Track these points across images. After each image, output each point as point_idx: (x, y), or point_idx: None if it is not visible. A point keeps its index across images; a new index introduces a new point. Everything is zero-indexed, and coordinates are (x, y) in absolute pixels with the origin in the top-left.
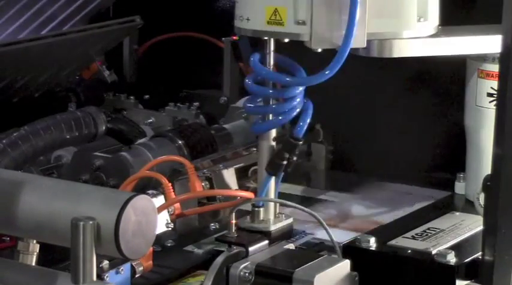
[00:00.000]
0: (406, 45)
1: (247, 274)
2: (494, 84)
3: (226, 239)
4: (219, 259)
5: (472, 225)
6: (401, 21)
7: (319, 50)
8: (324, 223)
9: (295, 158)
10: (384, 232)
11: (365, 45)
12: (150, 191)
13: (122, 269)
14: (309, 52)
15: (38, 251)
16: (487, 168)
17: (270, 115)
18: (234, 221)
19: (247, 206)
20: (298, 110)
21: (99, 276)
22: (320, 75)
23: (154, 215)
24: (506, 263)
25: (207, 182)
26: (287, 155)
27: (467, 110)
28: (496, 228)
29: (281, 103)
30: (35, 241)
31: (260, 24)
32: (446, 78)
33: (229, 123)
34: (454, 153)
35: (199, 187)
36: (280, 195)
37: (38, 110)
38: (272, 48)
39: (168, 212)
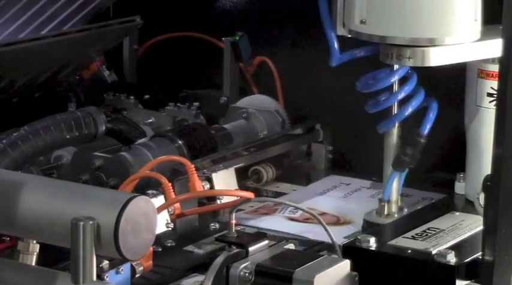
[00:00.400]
0: (450, 52)
1: (247, 274)
2: (494, 84)
3: (226, 239)
4: (219, 259)
5: (472, 225)
6: (446, 27)
7: None
8: (324, 222)
9: (418, 154)
10: (384, 232)
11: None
12: (150, 191)
13: (122, 269)
14: None
15: (38, 251)
16: (487, 168)
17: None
18: (234, 221)
19: (247, 206)
20: (415, 104)
21: (99, 276)
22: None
23: (154, 216)
24: (506, 263)
25: (207, 182)
26: (411, 152)
27: (467, 110)
28: (495, 228)
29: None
30: (35, 241)
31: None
32: (446, 78)
33: (229, 123)
34: (454, 153)
35: (199, 187)
36: (280, 195)
37: (38, 110)
38: None
39: (168, 212)
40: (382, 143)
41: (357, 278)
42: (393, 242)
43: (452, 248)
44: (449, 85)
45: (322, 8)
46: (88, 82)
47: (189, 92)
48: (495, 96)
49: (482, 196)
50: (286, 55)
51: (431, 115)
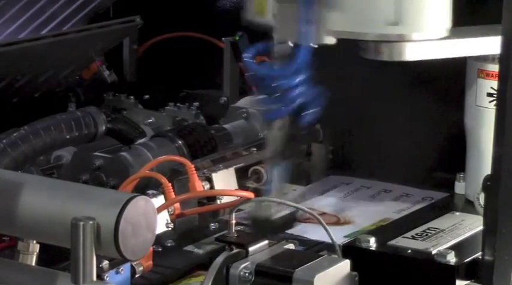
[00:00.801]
0: (417, 48)
1: (247, 274)
2: (494, 84)
3: (226, 239)
4: (219, 259)
5: (472, 225)
6: (412, 24)
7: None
8: (324, 222)
9: (303, 147)
10: (384, 232)
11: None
12: (150, 191)
13: (122, 269)
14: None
15: (37, 251)
16: (487, 168)
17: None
18: (233, 221)
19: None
20: (302, 98)
21: (99, 276)
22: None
23: (154, 216)
24: (506, 263)
25: (207, 182)
26: (294, 145)
27: (467, 110)
28: (496, 228)
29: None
30: (35, 241)
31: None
32: (446, 78)
33: (229, 123)
34: (454, 153)
35: (199, 187)
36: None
37: (38, 110)
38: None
39: (168, 212)
40: (382, 144)
41: (357, 278)
42: (393, 242)
43: (452, 248)
44: (449, 85)
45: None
46: (88, 82)
47: (189, 92)
48: (495, 96)
49: (482, 196)
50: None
51: (312, 107)
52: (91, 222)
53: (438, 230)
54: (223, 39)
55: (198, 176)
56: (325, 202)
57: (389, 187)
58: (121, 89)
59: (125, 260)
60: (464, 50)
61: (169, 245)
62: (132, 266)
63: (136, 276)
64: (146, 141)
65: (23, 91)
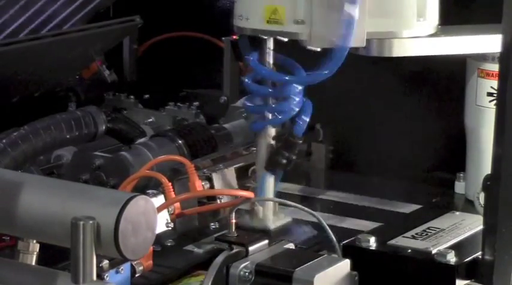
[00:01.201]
0: (405, 44)
1: (247, 274)
2: (494, 83)
3: (226, 238)
4: (219, 259)
5: (472, 224)
6: (401, 21)
7: (318, 49)
8: (324, 222)
9: (294, 157)
10: (384, 232)
11: (364, 45)
12: (150, 191)
13: (122, 269)
14: (309, 52)
15: (38, 250)
16: (487, 168)
17: (270, 114)
18: (234, 221)
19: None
20: (297, 109)
21: (99, 276)
22: (318, 74)
23: (154, 216)
24: (506, 263)
25: (207, 182)
26: (286, 154)
27: (467, 110)
28: (496, 227)
29: (280, 102)
30: (35, 241)
31: (259, 23)
32: (446, 78)
33: (229, 123)
34: (454, 153)
35: (199, 186)
36: (280, 195)
37: (38, 110)
38: (271, 46)
39: (168, 211)
40: (382, 144)
41: (356, 278)
42: (393, 241)
43: (452, 247)
44: (449, 85)
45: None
46: (88, 82)
47: (189, 92)
48: (495, 95)
49: (482, 196)
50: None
51: (305, 116)
52: (91, 222)
53: (438, 229)
54: (223, 39)
55: (198, 175)
56: (326, 202)
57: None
58: (121, 89)
59: (124, 260)
60: (453, 48)
61: (169, 244)
62: (132, 265)
63: (136, 275)
64: (146, 141)
65: (23, 91)
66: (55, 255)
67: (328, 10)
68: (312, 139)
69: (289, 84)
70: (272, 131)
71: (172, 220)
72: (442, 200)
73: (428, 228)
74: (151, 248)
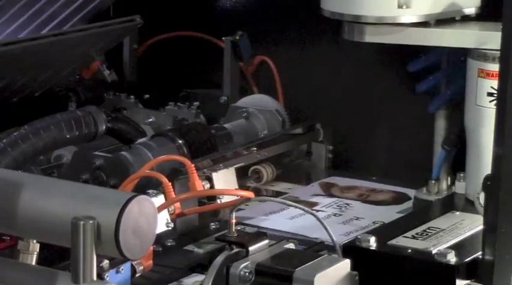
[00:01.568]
0: (379, 30)
1: (247, 274)
2: (494, 83)
3: (226, 238)
4: (219, 259)
5: (472, 224)
6: (380, 6)
7: None
8: (324, 222)
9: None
10: (384, 232)
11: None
12: (150, 191)
13: (122, 269)
14: None
15: (38, 250)
16: (487, 168)
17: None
18: (234, 221)
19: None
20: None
21: (99, 276)
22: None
23: (154, 216)
24: (506, 263)
25: (207, 182)
26: (457, 130)
27: (467, 110)
28: (496, 227)
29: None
30: (35, 241)
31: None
32: None
33: (229, 123)
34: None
35: (199, 186)
36: (280, 195)
37: (38, 110)
38: None
39: (168, 211)
40: (382, 144)
41: (357, 278)
42: (393, 241)
43: (452, 247)
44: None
45: None
46: (88, 82)
47: (189, 92)
48: (495, 95)
49: (482, 196)
50: (286, 54)
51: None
52: (91, 221)
53: (438, 229)
54: (223, 39)
55: (198, 175)
56: (326, 202)
57: (389, 187)
58: (121, 88)
59: (125, 260)
60: (428, 39)
61: (169, 244)
62: (132, 265)
63: (137, 275)
64: (146, 141)
65: (23, 91)
66: (55, 255)
67: None
68: (312, 139)
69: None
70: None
71: (172, 220)
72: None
73: (428, 228)
74: (151, 248)
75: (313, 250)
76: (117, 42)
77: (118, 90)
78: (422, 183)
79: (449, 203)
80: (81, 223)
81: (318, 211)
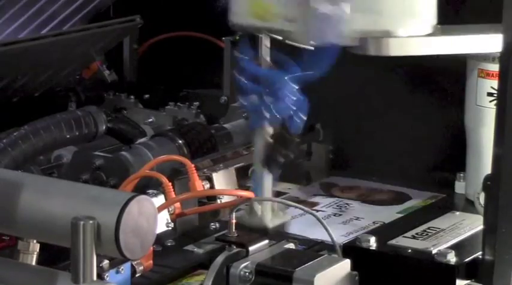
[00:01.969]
0: (401, 43)
1: (247, 274)
2: (494, 83)
3: (226, 238)
4: (219, 259)
5: (472, 224)
6: (395, 19)
7: (311, 48)
8: (324, 222)
9: (291, 155)
10: (384, 232)
11: (354, 43)
12: (150, 191)
13: (122, 269)
14: (305, 50)
15: (38, 250)
16: (487, 168)
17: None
18: (234, 221)
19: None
20: (294, 107)
21: (99, 276)
22: (311, 73)
23: (154, 216)
24: (506, 263)
25: (207, 182)
26: (283, 152)
27: (467, 110)
28: (496, 227)
29: (276, 100)
30: (35, 241)
31: (251, 20)
32: (446, 78)
33: (229, 123)
34: (454, 153)
35: (199, 186)
36: (280, 194)
37: (38, 110)
38: (268, 44)
39: (168, 211)
40: (382, 144)
41: (357, 278)
42: (393, 241)
43: (452, 247)
44: (449, 85)
45: None
46: (88, 82)
47: (189, 92)
48: (495, 95)
49: (482, 196)
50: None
51: (301, 114)
52: (91, 221)
53: (438, 229)
54: (223, 39)
55: (198, 175)
56: (325, 202)
57: (389, 187)
58: (121, 88)
59: (125, 260)
60: (450, 48)
61: (169, 244)
62: (132, 265)
63: (137, 275)
64: (146, 141)
65: (23, 91)
66: (55, 255)
67: (319, 7)
68: (312, 139)
69: (284, 82)
70: (270, 130)
71: (172, 220)
72: (442, 201)
73: (428, 228)
74: (151, 248)
75: (313, 250)
76: (117, 42)
77: (118, 90)
78: (422, 183)
79: (449, 203)
80: (81, 223)
81: (318, 211)
